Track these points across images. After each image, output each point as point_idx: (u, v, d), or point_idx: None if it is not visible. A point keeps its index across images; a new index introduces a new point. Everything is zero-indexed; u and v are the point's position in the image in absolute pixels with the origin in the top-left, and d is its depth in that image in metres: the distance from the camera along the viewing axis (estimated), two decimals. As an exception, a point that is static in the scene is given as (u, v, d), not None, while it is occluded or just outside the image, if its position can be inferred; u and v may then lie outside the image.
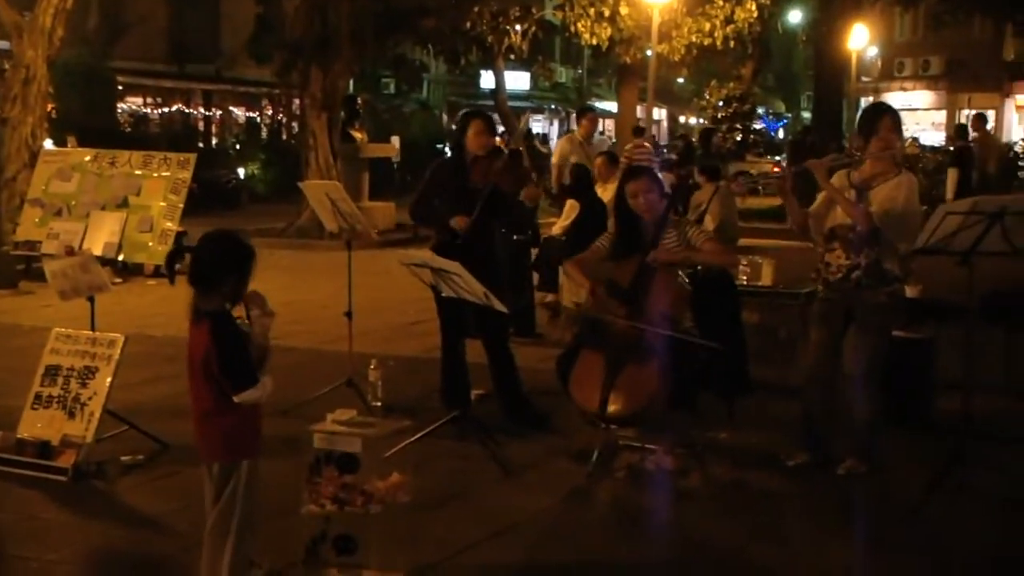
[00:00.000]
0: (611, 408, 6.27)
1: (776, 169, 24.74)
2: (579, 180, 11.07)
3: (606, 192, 10.58)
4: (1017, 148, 22.79)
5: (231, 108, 34.64)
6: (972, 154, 19.31)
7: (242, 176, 26.74)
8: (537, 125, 49.06)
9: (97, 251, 7.22)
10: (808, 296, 8.82)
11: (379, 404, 7.43)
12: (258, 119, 35.60)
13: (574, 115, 54.06)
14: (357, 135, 20.99)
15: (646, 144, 20.86)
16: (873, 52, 45.44)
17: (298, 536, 4.67)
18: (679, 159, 16.29)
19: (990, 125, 39.40)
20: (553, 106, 54.55)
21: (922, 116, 41.56)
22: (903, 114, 6.41)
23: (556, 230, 10.88)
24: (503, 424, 7.17)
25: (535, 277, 10.92)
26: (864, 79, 44.78)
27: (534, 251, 11.07)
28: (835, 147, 20.40)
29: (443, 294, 6.59)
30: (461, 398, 7.13)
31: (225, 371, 4.15)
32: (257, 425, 4.36)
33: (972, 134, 20.44)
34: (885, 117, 6.24)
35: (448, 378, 7.36)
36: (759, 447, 6.93)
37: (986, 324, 7.73)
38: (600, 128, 51.69)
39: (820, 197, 6.40)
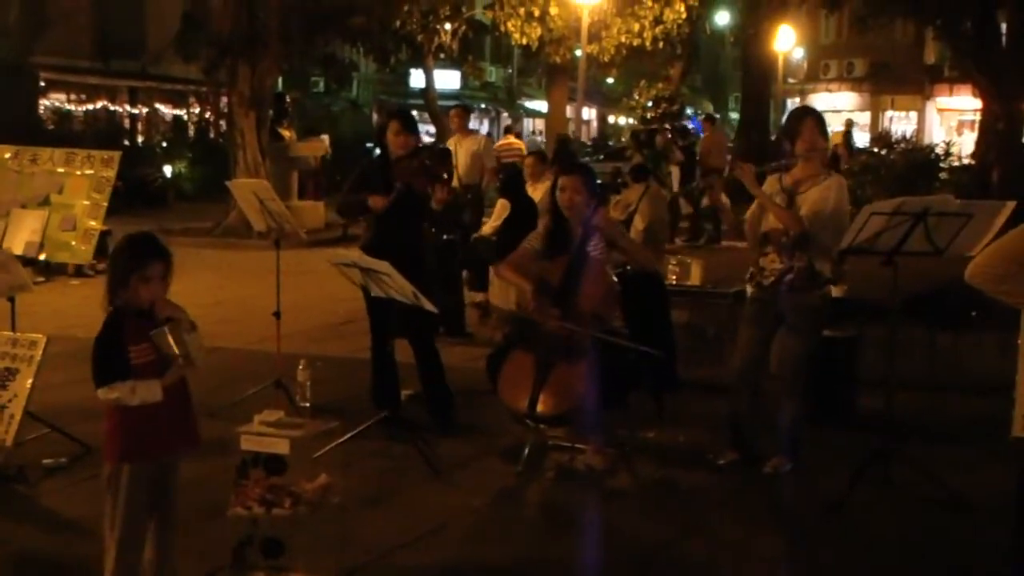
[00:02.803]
0: (541, 408, 6.28)
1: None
2: (510, 180, 11.08)
3: (536, 192, 10.60)
4: (938, 150, 23.14)
5: (157, 105, 34.16)
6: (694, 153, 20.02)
7: (169, 175, 26.39)
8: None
9: (18, 250, 7.09)
10: (736, 296, 8.91)
11: (307, 405, 7.37)
12: (185, 117, 35.16)
13: (504, 114, 54.32)
14: (286, 134, 20.83)
15: (515, 142, 21.09)
16: (799, 54, 46.09)
17: (225, 539, 4.61)
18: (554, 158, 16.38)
19: (914, 127, 40.27)
20: (483, 105, 54.57)
21: (834, 118, 42.23)
22: (828, 115, 6.49)
23: (486, 230, 10.89)
24: (432, 424, 7.15)
25: (464, 276, 10.92)
26: (790, 80, 45.41)
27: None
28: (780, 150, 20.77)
29: (372, 294, 6.55)
30: (391, 398, 7.10)
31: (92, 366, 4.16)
32: (146, 430, 4.20)
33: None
34: (808, 119, 6.33)
35: (378, 378, 7.33)
36: (687, 446, 6.99)
37: (910, 322, 7.85)
38: (531, 128, 51.70)
39: (754, 203, 6.45)
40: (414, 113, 12.76)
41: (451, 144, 12.25)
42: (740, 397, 6.50)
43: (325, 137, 23.88)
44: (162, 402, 4.17)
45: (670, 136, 20.69)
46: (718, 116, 30.69)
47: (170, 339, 4.10)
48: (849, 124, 30.88)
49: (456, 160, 11.76)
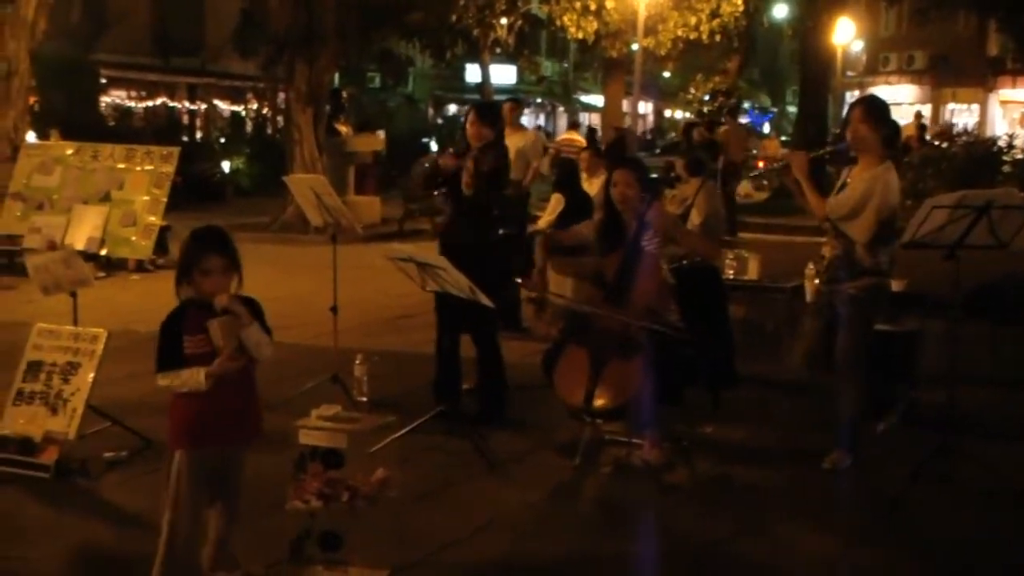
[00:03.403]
0: (596, 402, 6.26)
1: (761, 164, 24.81)
2: (565, 174, 11.04)
3: (592, 186, 10.57)
4: (1000, 143, 22.80)
5: (216, 102, 34.47)
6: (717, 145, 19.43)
7: (227, 170, 26.62)
8: (524, 119, 49.00)
9: (79, 246, 7.17)
10: (794, 290, 8.85)
11: (364, 399, 7.38)
12: (243, 113, 35.44)
13: (559, 109, 54.24)
14: (342, 129, 20.93)
15: (577, 138, 20.97)
16: (858, 47, 45.58)
17: (284, 533, 4.65)
18: (607, 152, 16.22)
19: (975, 119, 39.68)
20: (539, 100, 54.53)
21: (907, 110, 41.69)
22: (888, 108, 6.42)
23: (541, 224, 10.86)
24: (481, 417, 7.15)
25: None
26: (849, 74, 44.95)
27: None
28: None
29: (427, 288, 6.56)
30: (452, 393, 7.11)
31: None
32: (205, 418, 4.29)
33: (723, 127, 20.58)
34: (855, 109, 6.32)
35: (441, 372, 7.34)
36: (745, 441, 6.94)
37: (972, 317, 7.75)
38: (586, 122, 51.51)
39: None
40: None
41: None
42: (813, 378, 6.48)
43: (381, 132, 23.97)
44: (223, 392, 4.25)
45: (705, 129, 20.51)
46: (775, 110, 30.43)
47: (218, 331, 4.17)
48: (919, 116, 30.54)
49: None
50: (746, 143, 20.99)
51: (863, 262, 6.18)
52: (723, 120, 22.09)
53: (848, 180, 6.23)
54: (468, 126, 7.29)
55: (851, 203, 6.10)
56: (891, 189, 6.14)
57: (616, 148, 20.41)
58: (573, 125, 25.70)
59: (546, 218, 10.86)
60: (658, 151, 34.38)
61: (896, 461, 6.27)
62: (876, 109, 6.31)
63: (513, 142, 11.94)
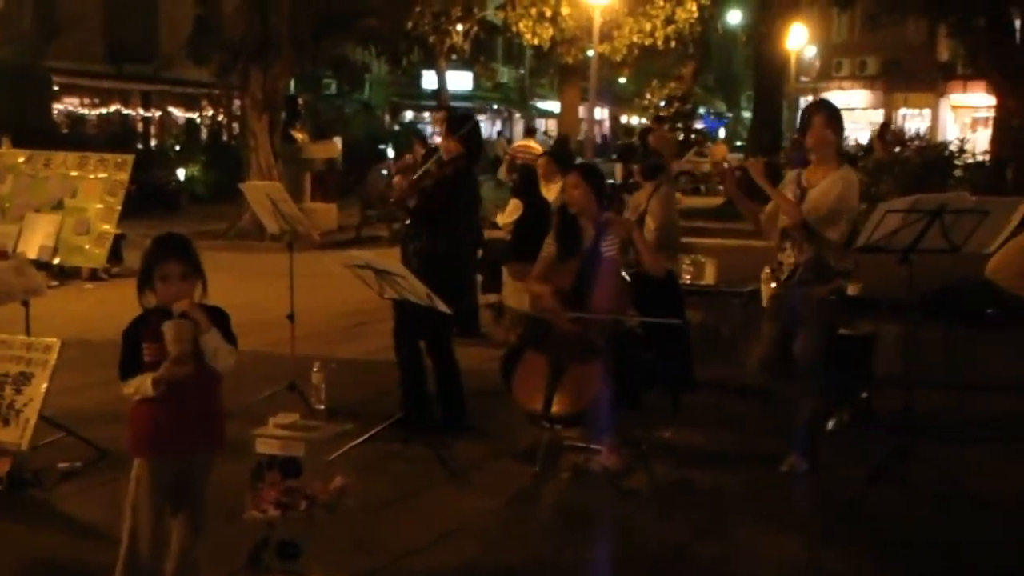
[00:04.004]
0: (555, 408, 6.26)
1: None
2: (524, 180, 11.04)
3: (550, 192, 10.58)
4: (952, 147, 23.03)
5: (170, 109, 34.20)
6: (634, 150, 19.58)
7: (182, 178, 26.46)
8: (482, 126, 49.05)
9: (32, 254, 7.09)
10: (751, 295, 8.89)
11: (322, 407, 7.36)
12: (198, 120, 35.22)
13: (516, 115, 54.27)
14: (298, 136, 20.87)
15: (533, 144, 21.01)
16: (812, 52, 45.96)
17: (241, 543, 4.61)
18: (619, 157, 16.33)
19: (927, 124, 40.11)
20: (495, 106, 54.58)
21: (859, 115, 42.08)
22: (842, 114, 6.47)
23: (499, 220, 10.82)
24: (442, 424, 7.13)
25: (479, 278, 10.89)
26: (803, 79, 45.28)
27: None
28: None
29: (385, 296, 6.54)
30: (420, 399, 7.09)
31: None
32: (164, 426, 4.24)
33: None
34: (817, 114, 6.31)
35: (406, 381, 7.27)
36: (703, 445, 6.97)
37: (927, 320, 7.82)
38: (542, 127, 51.65)
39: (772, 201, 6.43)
40: (425, 115, 12.69)
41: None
42: (767, 380, 6.49)
43: (338, 139, 23.91)
44: (184, 400, 4.21)
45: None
46: (730, 115, 30.64)
47: (170, 334, 4.12)
48: (888, 119, 30.75)
49: None
50: (674, 150, 21.09)
51: (834, 265, 6.21)
52: (652, 126, 22.22)
53: (806, 184, 6.22)
54: (439, 138, 7.30)
55: (829, 203, 6.07)
56: (856, 191, 6.20)
57: (559, 153, 20.41)
58: (530, 132, 25.79)
59: (504, 219, 10.86)
60: (614, 156, 34.54)
61: (852, 463, 6.32)
62: (837, 113, 6.36)
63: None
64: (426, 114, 45.50)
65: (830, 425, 6.93)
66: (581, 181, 6.52)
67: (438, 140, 12.08)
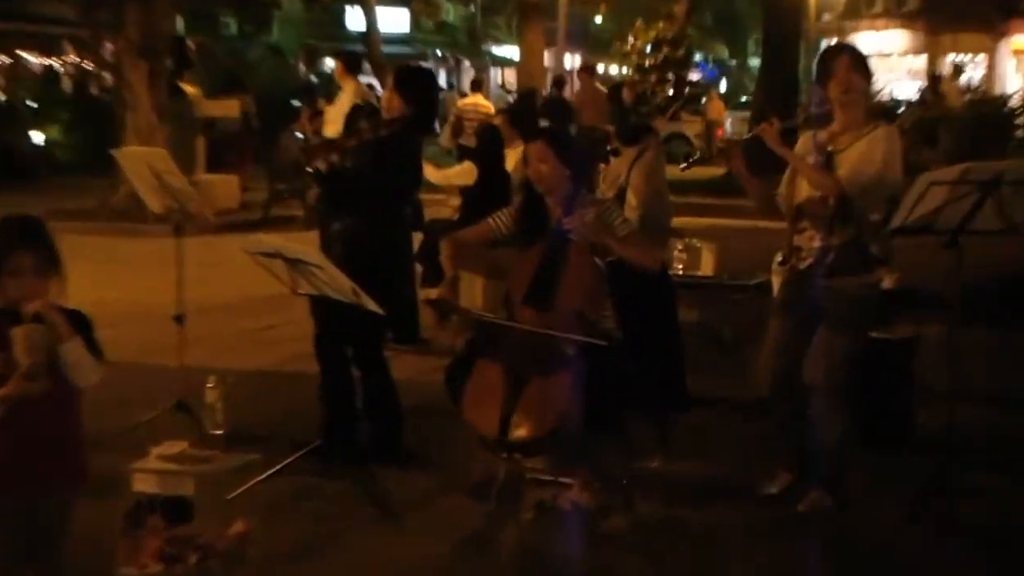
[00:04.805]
0: (515, 432, 6.27)
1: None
2: (488, 142, 10.93)
3: (508, 159, 10.58)
4: (1013, 102, 23.04)
5: (23, 53, 33.97)
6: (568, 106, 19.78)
7: (39, 141, 26.30)
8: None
9: None
10: (758, 288, 8.93)
11: (219, 432, 7.34)
12: (59, 68, 34.99)
13: (465, 63, 54.25)
14: (189, 89, 20.77)
15: (482, 102, 20.89)
16: (837, -16, 46.28)
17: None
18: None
19: (981, 73, 40.34)
20: (439, 52, 54.49)
21: (896, 63, 42.31)
22: (873, 61, 6.50)
23: (434, 177, 10.64)
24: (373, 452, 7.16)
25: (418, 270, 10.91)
26: (825, 17, 45.59)
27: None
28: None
29: (299, 292, 6.54)
30: (346, 421, 7.12)
31: None
32: (5, 460, 4.22)
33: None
34: (842, 57, 6.29)
35: (330, 397, 7.29)
36: (698, 478, 7.01)
37: (975, 319, 7.88)
38: (499, 80, 51.72)
39: (788, 169, 6.42)
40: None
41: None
42: (777, 405, 6.50)
43: (247, 96, 23.87)
44: (30, 425, 4.17)
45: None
46: (734, 63, 30.72)
47: (21, 342, 4.10)
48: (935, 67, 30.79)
49: None
50: (604, 106, 21.17)
51: (877, 252, 6.22)
52: (629, 80, 22.23)
53: (832, 148, 6.20)
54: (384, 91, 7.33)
55: (873, 171, 5.99)
56: (900, 155, 6.16)
57: (520, 112, 20.45)
58: (476, 85, 25.46)
59: (448, 179, 10.85)
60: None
61: (887, 499, 6.38)
62: (863, 57, 6.33)
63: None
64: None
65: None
66: (548, 152, 6.44)
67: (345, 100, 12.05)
